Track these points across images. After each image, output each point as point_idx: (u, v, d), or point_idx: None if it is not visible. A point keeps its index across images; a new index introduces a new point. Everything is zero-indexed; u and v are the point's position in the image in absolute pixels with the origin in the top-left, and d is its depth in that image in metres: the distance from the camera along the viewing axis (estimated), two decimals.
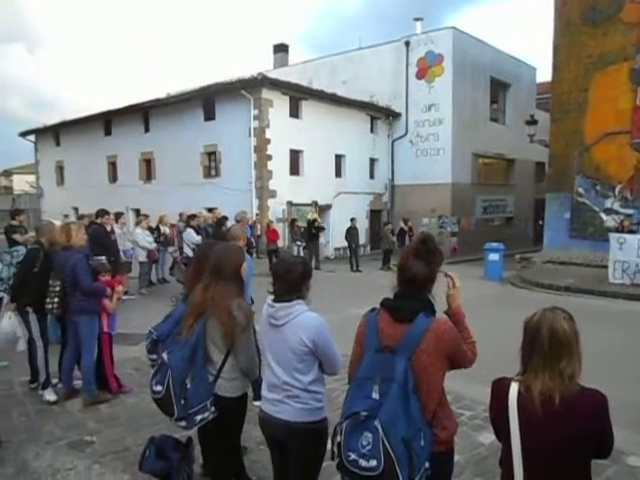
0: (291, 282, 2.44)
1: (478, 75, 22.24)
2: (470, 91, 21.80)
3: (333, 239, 19.68)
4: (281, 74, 21.66)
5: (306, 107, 19.08)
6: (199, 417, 2.63)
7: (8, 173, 51.19)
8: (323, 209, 19.37)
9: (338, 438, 1.97)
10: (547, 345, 1.77)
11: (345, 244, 17.25)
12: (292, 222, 15.87)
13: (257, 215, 17.39)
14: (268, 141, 17.73)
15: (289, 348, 2.38)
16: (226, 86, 17.98)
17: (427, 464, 1.97)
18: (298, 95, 18.77)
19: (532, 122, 16.90)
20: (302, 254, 15.14)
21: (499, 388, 1.88)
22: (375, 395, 1.96)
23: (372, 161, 22.30)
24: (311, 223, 16.20)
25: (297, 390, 2.39)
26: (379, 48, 22.97)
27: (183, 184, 19.47)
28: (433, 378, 2.04)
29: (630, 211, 14.06)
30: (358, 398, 1.99)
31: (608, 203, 14.60)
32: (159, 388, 2.64)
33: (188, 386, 2.62)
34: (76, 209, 22.93)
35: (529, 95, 25.39)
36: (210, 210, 15.16)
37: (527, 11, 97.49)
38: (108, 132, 23.57)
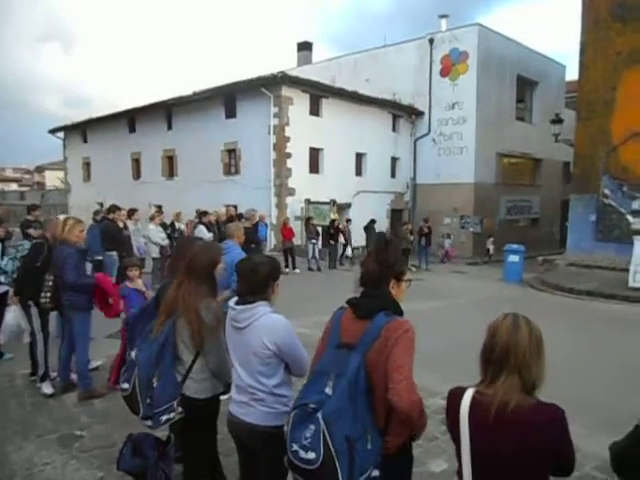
0: (255, 283, 2.37)
1: (504, 73, 21.77)
2: (495, 89, 21.36)
3: (352, 238, 19.54)
4: (304, 72, 21.65)
5: (326, 105, 19.00)
6: (165, 417, 2.59)
7: (40, 169, 52.72)
8: (342, 208, 19.27)
9: (285, 428, 1.95)
10: (503, 352, 1.67)
11: (364, 243, 17.13)
12: (307, 220, 15.82)
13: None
14: (288, 139, 17.72)
15: (252, 351, 2.32)
16: (247, 84, 18.04)
17: (376, 472, 1.89)
18: (318, 93, 18.71)
19: (557, 121, 16.44)
20: (317, 253, 15.09)
21: (454, 396, 1.78)
22: (328, 390, 1.92)
23: (394, 160, 22.08)
24: (331, 223, 16.16)
25: (262, 394, 2.33)
26: (402, 46, 22.72)
27: (204, 181, 19.63)
28: (381, 379, 1.96)
29: None
30: (311, 391, 1.96)
31: (636, 205, 14.06)
32: (126, 386, 2.61)
33: (155, 385, 2.58)
34: (101, 205, 23.39)
35: (558, 93, 24.74)
36: (235, 208, 15.28)
37: (558, 9, 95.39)
38: (132, 129, 23.95)
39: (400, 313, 2.09)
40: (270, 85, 17.51)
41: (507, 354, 1.66)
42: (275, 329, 2.31)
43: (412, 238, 16.63)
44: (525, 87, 23.71)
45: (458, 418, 1.72)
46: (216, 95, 19.28)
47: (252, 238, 10.59)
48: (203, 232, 9.40)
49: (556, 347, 7.09)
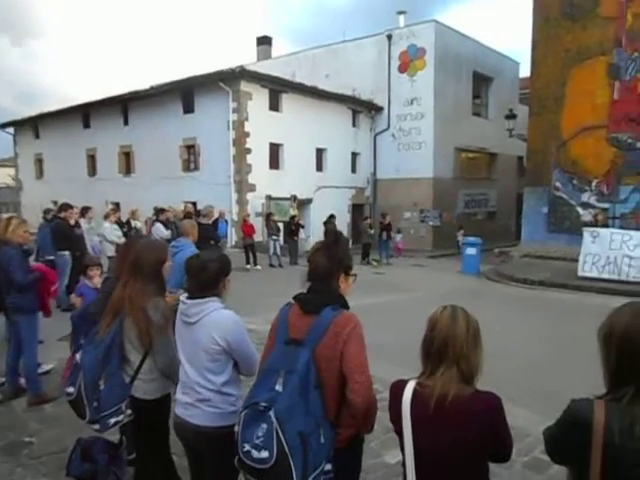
0: (205, 279, 2.34)
1: (460, 69, 22.21)
2: (452, 85, 21.77)
3: (314, 234, 19.59)
4: (263, 67, 21.51)
5: (286, 100, 18.93)
6: (113, 420, 2.54)
7: None
8: (304, 203, 19.28)
9: (236, 428, 1.93)
10: (442, 344, 1.71)
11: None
12: (268, 216, 15.76)
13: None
14: (247, 134, 17.58)
15: (201, 347, 2.29)
16: (205, 78, 17.80)
17: (329, 466, 1.91)
18: (278, 88, 18.62)
19: (511, 116, 16.91)
20: (278, 249, 15.07)
21: (396, 388, 1.81)
22: (278, 387, 1.91)
23: (354, 155, 22.23)
24: (291, 219, 16.15)
25: (209, 392, 2.30)
26: (361, 41, 22.84)
27: (162, 178, 19.27)
28: (333, 374, 1.98)
29: (606, 205, 14.13)
30: (261, 389, 1.95)
31: (585, 197, 14.64)
32: (71, 390, 2.55)
33: (101, 387, 2.52)
34: (55, 203, 22.62)
35: (512, 89, 25.41)
36: (194, 205, 15.09)
37: (511, 7, 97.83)
38: (87, 125, 23.27)
39: (346, 307, 2.11)
40: (229, 80, 17.32)
41: (445, 347, 1.70)
42: (225, 325, 2.30)
43: (372, 232, 16.80)
44: (481, 83, 24.25)
45: (400, 410, 1.75)
46: (174, 90, 18.93)
47: (211, 235, 10.48)
48: (160, 230, 9.23)
49: (509, 336, 7.34)
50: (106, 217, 9.98)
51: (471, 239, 14.75)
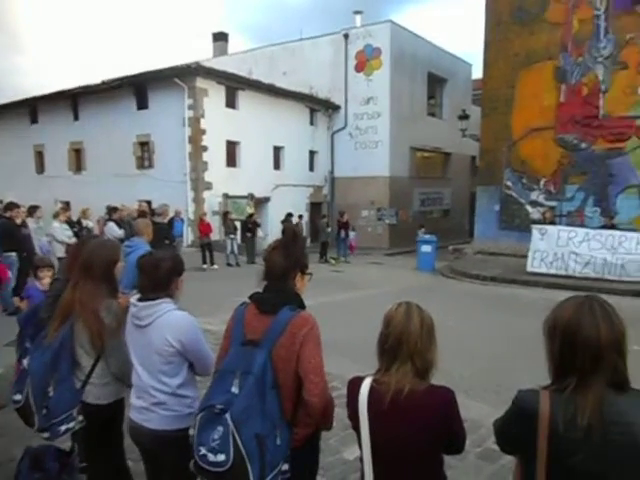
0: (158, 278, 2.29)
1: (415, 70, 22.61)
2: (408, 85, 22.13)
3: (272, 232, 19.52)
4: (220, 63, 21.24)
5: (243, 97, 18.77)
6: (64, 427, 2.45)
7: None
8: (261, 202, 19.18)
9: (191, 432, 1.90)
10: (396, 341, 1.74)
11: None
12: (225, 215, 15.60)
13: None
14: (203, 131, 17.33)
15: (154, 350, 2.24)
16: (159, 74, 17.43)
17: (286, 466, 1.92)
18: (234, 85, 18.44)
19: (464, 117, 17.36)
20: (235, 248, 14.94)
21: (353, 385, 1.84)
22: (234, 389, 1.88)
23: (312, 153, 22.27)
24: (248, 217, 16.04)
25: (164, 395, 2.26)
26: (318, 40, 22.89)
27: (115, 175, 18.74)
28: (290, 375, 1.98)
29: (553, 203, 14.73)
30: (217, 391, 1.92)
31: (533, 196, 15.22)
32: (18, 397, 2.45)
33: (50, 394, 2.43)
34: (1, 202, 21.60)
35: (465, 91, 26.08)
36: (149, 203, 14.77)
37: (465, 10, 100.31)
38: (35, 120, 22.35)
39: (303, 307, 2.11)
40: (184, 76, 17.02)
41: (400, 343, 1.73)
42: (179, 326, 2.26)
43: (329, 231, 16.90)
44: (435, 84, 24.76)
45: (357, 407, 1.77)
46: (127, 85, 18.45)
47: (166, 234, 10.27)
48: (113, 229, 8.98)
49: (463, 331, 7.53)
50: (55, 216, 9.64)
51: (426, 237, 15.09)
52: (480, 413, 4.27)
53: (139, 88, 18.40)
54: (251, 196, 17.85)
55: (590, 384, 1.41)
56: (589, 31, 14.31)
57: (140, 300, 2.31)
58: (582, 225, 13.55)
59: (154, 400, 2.27)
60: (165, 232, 10.24)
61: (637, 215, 13.62)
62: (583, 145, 14.46)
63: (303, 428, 2.03)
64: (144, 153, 18.89)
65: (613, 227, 12.41)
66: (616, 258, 11.40)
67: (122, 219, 9.72)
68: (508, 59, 15.60)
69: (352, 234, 19.96)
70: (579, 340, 1.43)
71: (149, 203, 14.99)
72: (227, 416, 1.80)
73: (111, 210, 10.00)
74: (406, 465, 1.74)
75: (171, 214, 11.88)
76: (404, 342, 1.73)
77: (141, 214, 9.56)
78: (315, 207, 22.38)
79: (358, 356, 5.52)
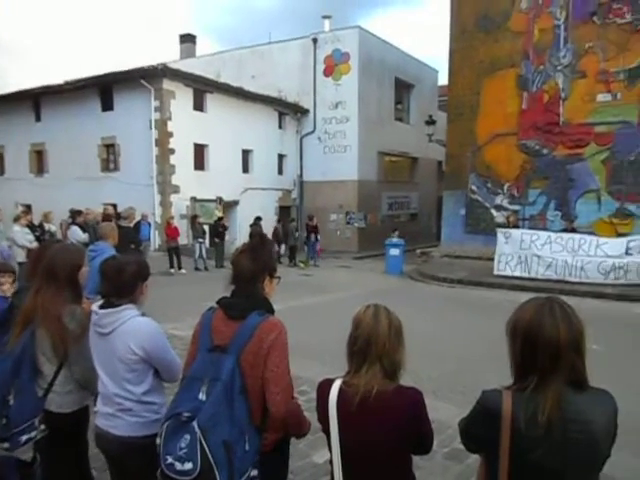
0: (121, 284, 2.25)
1: (383, 75, 22.87)
2: (376, 90, 22.37)
3: (240, 236, 19.40)
4: (187, 65, 21.02)
5: (211, 100, 18.62)
6: (25, 437, 2.38)
7: None
8: (230, 205, 19.05)
9: (158, 441, 1.86)
10: (365, 343, 1.75)
11: None
12: (193, 219, 15.43)
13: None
14: (170, 134, 17.11)
15: (117, 358, 2.20)
16: (125, 75, 17.13)
17: (255, 471, 1.91)
18: (202, 88, 18.28)
19: (431, 122, 17.65)
20: (204, 252, 14.80)
21: (323, 388, 1.84)
22: (202, 396, 1.86)
23: (280, 157, 22.26)
24: (217, 221, 15.91)
25: (130, 402, 2.22)
26: (287, 44, 22.92)
27: (79, 178, 18.30)
28: (258, 381, 1.97)
29: (517, 207, 15.12)
30: (184, 399, 1.89)
31: (498, 200, 15.58)
32: None
33: (10, 403, 2.36)
34: None
35: (431, 96, 26.51)
36: (114, 207, 14.45)
37: (431, 17, 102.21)
38: None
39: (271, 311, 2.09)
40: (151, 77, 16.77)
41: (368, 345, 1.75)
42: (142, 333, 2.21)
43: (298, 235, 16.91)
44: (402, 89, 25.10)
45: (327, 409, 1.78)
46: (91, 85, 18.07)
47: (132, 239, 10.09)
48: (77, 233, 8.75)
49: (431, 333, 7.64)
50: (16, 220, 9.35)
51: (394, 240, 15.25)
52: (447, 414, 4.34)
53: (104, 89, 18.04)
54: (219, 200, 17.71)
55: (550, 383, 1.46)
56: (550, 40, 14.77)
57: (102, 307, 2.26)
58: (544, 228, 13.95)
59: (120, 407, 2.23)
60: (131, 236, 10.07)
61: (596, 219, 14.11)
62: (544, 151, 14.90)
63: (272, 433, 2.02)
64: (109, 155, 18.51)
65: (573, 230, 12.83)
66: (576, 260, 11.78)
67: (86, 223, 9.48)
68: (473, 66, 15.96)
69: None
70: (539, 340, 1.48)
71: (114, 206, 14.68)
72: (194, 424, 1.77)
73: (75, 214, 9.75)
74: (375, 466, 1.76)
75: (137, 218, 11.68)
76: (373, 344, 1.75)
77: (106, 218, 9.36)
78: (284, 211, 22.34)
79: (327, 359, 5.55)
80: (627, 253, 11.47)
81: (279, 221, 18.16)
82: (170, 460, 1.78)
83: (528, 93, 15.08)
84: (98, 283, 2.43)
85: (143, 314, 2.31)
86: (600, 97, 14.07)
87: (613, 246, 11.70)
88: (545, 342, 1.46)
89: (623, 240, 11.84)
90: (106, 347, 2.24)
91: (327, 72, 21.94)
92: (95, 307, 2.29)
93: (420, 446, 1.84)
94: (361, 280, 13.80)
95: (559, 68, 14.67)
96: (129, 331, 2.20)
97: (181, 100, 17.38)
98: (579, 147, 14.35)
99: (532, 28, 15.02)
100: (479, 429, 1.59)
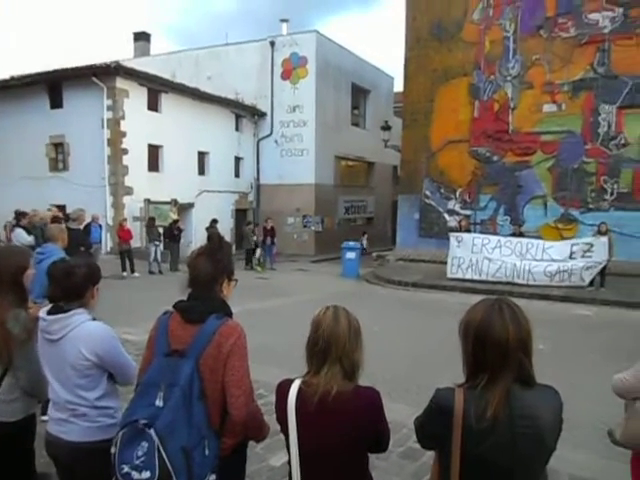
0: (71, 287, 2.18)
1: (340, 80, 23.08)
2: (333, 95, 22.54)
3: (196, 239, 19.09)
4: (141, 64, 20.52)
5: (166, 100, 18.28)
6: None
7: None
8: (185, 208, 18.72)
9: (113, 450, 1.81)
10: (325, 344, 1.76)
11: None
12: (150, 221, 15.08)
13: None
14: (123, 134, 16.67)
15: (68, 364, 2.13)
16: (75, 72, 16.59)
17: (213, 476, 1.89)
18: (157, 87, 17.92)
19: (386, 128, 17.96)
20: (159, 255, 14.49)
21: (282, 388, 1.84)
22: (159, 402, 1.82)
23: (237, 160, 22.08)
24: (172, 224, 15.61)
25: (84, 408, 2.16)
26: (245, 46, 22.79)
27: (24, 178, 17.51)
28: (217, 385, 1.95)
29: (468, 212, 15.60)
30: (140, 405, 1.84)
31: (450, 205, 16.03)
32: None
33: None
34: None
35: (387, 102, 26.95)
36: (63, 208, 13.96)
37: (387, 24, 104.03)
38: None
39: (230, 314, 2.08)
40: (103, 75, 16.31)
41: (329, 345, 1.76)
42: (94, 338, 2.16)
43: (255, 238, 16.80)
44: (359, 95, 25.41)
45: (286, 410, 1.78)
46: (39, 82, 17.37)
47: (82, 241, 9.79)
48: (22, 236, 8.38)
49: (387, 335, 7.75)
50: None
51: (350, 244, 15.39)
52: (402, 414, 4.42)
53: (53, 86, 17.38)
54: (174, 202, 17.38)
55: (499, 380, 1.52)
56: (500, 51, 15.35)
57: (51, 312, 2.19)
58: (495, 233, 14.46)
59: (74, 412, 2.16)
60: (81, 238, 9.77)
61: (542, 224, 14.73)
62: (495, 158, 15.44)
63: (231, 437, 2.00)
64: (58, 155, 17.83)
65: (522, 235, 13.35)
66: (524, 264, 12.25)
67: (33, 225, 9.11)
68: (427, 74, 16.37)
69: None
70: (489, 339, 1.54)
71: (62, 208, 14.17)
72: (152, 431, 1.73)
73: (19, 215, 9.35)
74: (334, 466, 1.77)
75: (88, 219, 11.32)
76: (333, 344, 1.76)
77: (55, 219, 9.02)
78: (240, 214, 22.15)
79: (285, 362, 5.53)
80: (571, 257, 12.03)
81: (249, 224, 17.97)
82: (126, 469, 1.74)
83: (479, 102, 15.60)
84: (46, 287, 2.35)
85: (94, 319, 2.24)
86: (546, 107, 14.73)
87: (558, 250, 12.24)
88: (494, 341, 1.52)
89: (567, 244, 12.41)
90: (56, 354, 2.16)
91: (285, 75, 21.95)
92: (43, 313, 2.20)
93: (378, 445, 1.86)
94: (318, 283, 13.85)
95: (508, 78, 15.26)
96: (80, 337, 2.13)
97: (135, 99, 16.97)
98: (527, 155, 14.97)
99: (483, 39, 15.56)
100: (433, 426, 1.64)
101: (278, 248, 18.26)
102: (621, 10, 13.79)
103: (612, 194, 14.07)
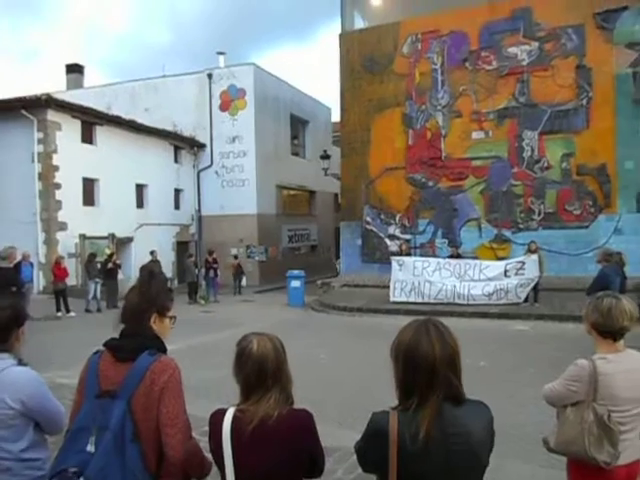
0: None
1: (279, 111, 23.43)
2: (272, 125, 22.81)
3: (136, 274, 18.49)
4: (75, 97, 20.03)
5: (101, 133, 17.86)
6: None
7: None
8: (124, 242, 18.17)
9: None
10: (255, 370, 1.76)
11: None
12: (90, 257, 14.52)
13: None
14: (56, 168, 16.10)
15: None
16: (3, 104, 15.94)
17: None
18: (91, 120, 17.50)
19: (325, 157, 18.32)
20: (99, 292, 13.95)
21: (216, 417, 1.81)
22: (90, 447, 1.74)
23: (177, 191, 21.76)
24: (107, 259, 15.08)
25: (8, 462, 2.02)
26: (182, 78, 22.77)
27: None
28: (151, 424, 1.87)
29: (408, 236, 16.05)
30: (70, 452, 1.76)
31: (391, 230, 16.45)
32: None
33: None
34: None
35: (326, 132, 27.57)
36: None
37: (323, 57, 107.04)
38: None
39: (164, 350, 2.01)
40: (33, 108, 15.76)
41: (256, 372, 1.76)
42: (19, 384, 2.04)
43: (197, 271, 16.50)
44: (298, 125, 25.86)
45: (221, 439, 1.74)
46: None
47: (12, 280, 9.31)
48: None
49: (333, 362, 7.76)
50: None
51: (295, 272, 15.39)
52: (352, 441, 4.40)
53: None
54: (112, 236, 16.85)
55: (429, 400, 1.56)
56: (429, 83, 16.15)
57: None
58: (434, 255, 14.94)
59: None
60: (11, 277, 9.30)
61: (478, 245, 15.37)
62: (430, 183, 16.06)
63: (168, 478, 1.95)
64: None
65: (459, 256, 13.85)
66: (463, 285, 12.69)
67: None
68: (362, 104, 16.93)
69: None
70: (417, 358, 1.58)
71: None
72: (82, 479, 1.67)
73: None
74: None
75: (18, 257, 10.77)
76: (262, 370, 1.76)
77: None
78: (182, 246, 21.70)
79: (229, 397, 5.43)
80: (505, 275, 12.58)
81: (190, 256, 17.63)
82: None
83: (413, 130, 16.26)
84: None
85: (20, 362, 2.13)
86: (475, 135, 15.55)
87: (494, 269, 12.78)
88: (421, 360, 1.57)
89: (502, 263, 12.99)
90: None
91: (223, 107, 22.04)
92: None
93: (315, 466, 1.85)
94: (263, 313, 13.72)
95: (439, 108, 16.03)
96: (3, 383, 2.02)
97: (68, 132, 16.48)
98: (460, 179, 15.67)
99: (414, 71, 16.33)
100: (371, 450, 1.66)
101: (222, 279, 17.96)
102: (537, 44, 14.91)
103: (539, 214, 14.92)
